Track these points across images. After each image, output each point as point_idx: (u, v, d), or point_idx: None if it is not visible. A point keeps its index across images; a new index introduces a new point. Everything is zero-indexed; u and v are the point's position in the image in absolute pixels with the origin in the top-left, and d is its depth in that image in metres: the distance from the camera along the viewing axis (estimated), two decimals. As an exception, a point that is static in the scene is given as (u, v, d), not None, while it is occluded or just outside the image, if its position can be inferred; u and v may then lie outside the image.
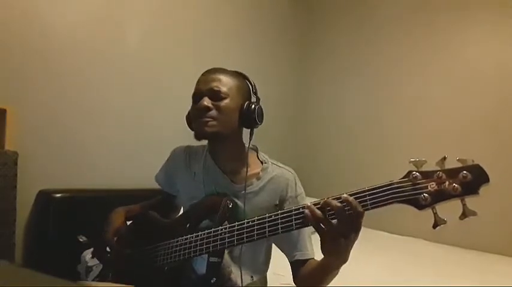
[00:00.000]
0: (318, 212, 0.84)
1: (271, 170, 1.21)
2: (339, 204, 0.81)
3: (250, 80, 1.20)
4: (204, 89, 1.13)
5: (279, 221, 0.90)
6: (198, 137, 1.15)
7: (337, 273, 1.00)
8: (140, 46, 2.35)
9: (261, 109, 1.17)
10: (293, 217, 0.89)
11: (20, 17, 1.88)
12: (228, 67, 1.20)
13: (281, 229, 0.90)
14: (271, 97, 3.13)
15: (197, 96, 1.14)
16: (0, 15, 1.83)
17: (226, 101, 1.12)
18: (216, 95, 1.12)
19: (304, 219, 0.87)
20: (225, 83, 1.13)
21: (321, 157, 3.39)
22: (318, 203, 0.85)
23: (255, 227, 0.93)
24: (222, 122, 1.12)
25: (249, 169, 1.18)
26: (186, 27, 2.60)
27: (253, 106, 1.15)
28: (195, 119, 1.14)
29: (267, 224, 0.92)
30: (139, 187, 2.02)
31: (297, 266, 1.15)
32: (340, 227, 0.83)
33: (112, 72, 2.23)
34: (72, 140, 2.08)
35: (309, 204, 0.86)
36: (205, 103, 1.10)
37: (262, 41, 3.13)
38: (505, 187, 2.41)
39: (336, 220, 0.83)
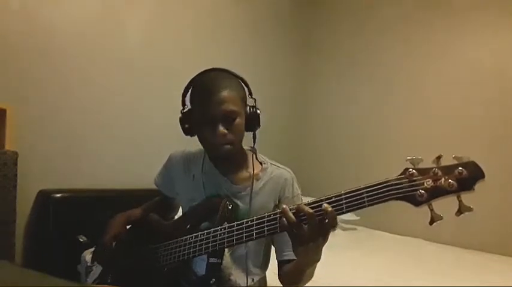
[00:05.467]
0: (292, 217, 0.87)
1: (270, 170, 1.22)
2: (310, 210, 0.85)
3: (245, 81, 1.18)
4: (217, 115, 1.09)
5: (278, 220, 0.91)
6: (214, 157, 1.20)
7: (313, 271, 1.06)
8: (141, 46, 2.35)
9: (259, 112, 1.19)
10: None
11: (21, 17, 1.88)
12: (229, 67, 1.19)
13: (280, 228, 0.91)
14: (272, 97, 3.13)
15: (209, 120, 1.11)
16: (1, 14, 1.83)
17: (238, 119, 1.12)
18: (229, 118, 1.10)
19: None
20: (234, 100, 1.11)
21: (322, 156, 3.39)
22: (293, 209, 0.88)
23: (254, 226, 0.94)
24: (237, 140, 1.14)
25: (248, 171, 1.19)
26: (187, 25, 2.60)
27: (256, 111, 1.17)
28: (210, 143, 1.13)
29: (265, 224, 0.93)
30: (140, 187, 2.02)
31: (283, 264, 1.17)
32: (309, 232, 0.86)
33: (113, 73, 2.23)
34: (72, 140, 2.08)
35: (285, 207, 0.89)
36: (223, 131, 1.09)
37: (264, 41, 3.13)
38: (504, 187, 2.41)
39: (306, 225, 0.87)
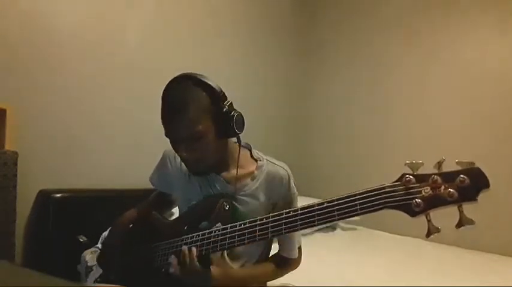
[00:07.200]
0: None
1: (266, 168, 1.20)
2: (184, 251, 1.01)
3: (213, 88, 1.08)
4: (177, 139, 1.08)
5: (269, 225, 0.90)
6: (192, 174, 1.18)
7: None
8: (141, 46, 2.34)
9: (241, 116, 1.10)
10: (283, 221, 0.89)
11: (21, 17, 1.88)
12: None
13: (271, 233, 0.90)
14: (272, 97, 3.14)
15: (173, 142, 1.11)
16: (0, 14, 1.83)
17: (202, 138, 1.06)
18: (191, 140, 1.06)
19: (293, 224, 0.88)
20: (194, 120, 1.04)
21: (322, 156, 3.38)
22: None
23: (246, 230, 0.94)
24: (206, 156, 1.11)
25: (242, 169, 1.17)
26: (186, 26, 2.59)
27: (231, 116, 1.08)
28: (183, 161, 1.15)
29: (257, 228, 0.92)
30: (140, 187, 2.02)
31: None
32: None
33: (112, 72, 2.23)
34: (72, 140, 2.08)
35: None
36: (186, 155, 1.09)
37: (264, 41, 3.13)
38: (504, 187, 2.41)
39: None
